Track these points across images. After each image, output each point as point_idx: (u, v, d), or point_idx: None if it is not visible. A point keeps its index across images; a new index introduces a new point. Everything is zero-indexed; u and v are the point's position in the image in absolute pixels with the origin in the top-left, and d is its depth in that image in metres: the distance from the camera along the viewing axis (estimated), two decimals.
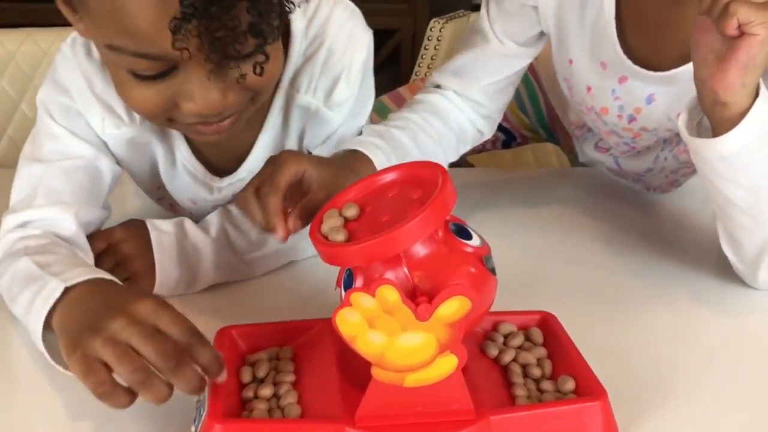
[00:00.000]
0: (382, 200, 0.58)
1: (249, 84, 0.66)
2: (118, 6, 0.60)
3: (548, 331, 0.67)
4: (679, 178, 1.03)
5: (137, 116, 0.78)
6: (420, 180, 0.58)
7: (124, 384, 0.54)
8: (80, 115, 0.77)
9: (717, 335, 0.76)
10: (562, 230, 0.97)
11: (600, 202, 1.06)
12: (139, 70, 0.64)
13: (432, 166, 0.58)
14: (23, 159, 0.78)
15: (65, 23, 0.71)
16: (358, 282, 0.56)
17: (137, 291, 0.63)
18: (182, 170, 0.83)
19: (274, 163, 0.70)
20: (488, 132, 0.98)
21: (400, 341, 0.53)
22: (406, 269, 0.54)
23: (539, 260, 0.90)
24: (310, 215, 0.65)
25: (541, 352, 0.65)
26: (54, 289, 0.63)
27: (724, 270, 0.84)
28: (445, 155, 0.90)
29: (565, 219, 1.01)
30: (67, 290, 0.62)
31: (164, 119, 0.69)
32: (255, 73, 0.64)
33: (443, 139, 0.90)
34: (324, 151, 0.84)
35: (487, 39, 0.92)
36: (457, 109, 0.94)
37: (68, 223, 0.75)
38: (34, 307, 0.63)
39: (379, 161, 0.79)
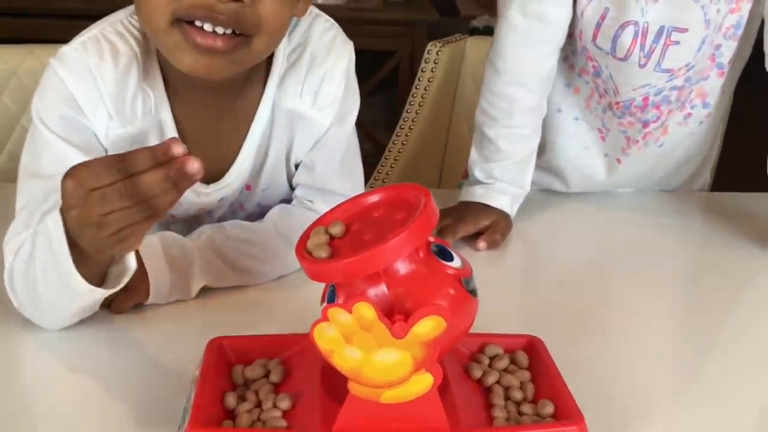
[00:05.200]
0: (368, 219, 0.60)
1: (260, 7, 0.71)
2: None
3: (534, 354, 0.68)
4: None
5: (139, 113, 0.80)
6: (405, 201, 0.59)
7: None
8: (80, 122, 0.78)
9: (701, 363, 0.77)
10: (554, 254, 0.99)
11: (590, 228, 1.08)
12: None
13: (417, 188, 0.59)
14: (22, 173, 0.78)
15: (67, 40, 0.74)
16: (341, 298, 0.58)
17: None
18: None
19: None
20: None
21: (377, 358, 0.54)
22: (385, 287, 0.56)
23: (529, 283, 0.91)
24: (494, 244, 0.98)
25: (525, 375, 0.66)
26: (56, 219, 0.65)
27: (706, 298, 0.86)
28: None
29: (557, 243, 1.03)
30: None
31: (171, 11, 0.70)
32: None
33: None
34: (314, 157, 0.88)
35: None
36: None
37: None
38: (54, 249, 0.65)
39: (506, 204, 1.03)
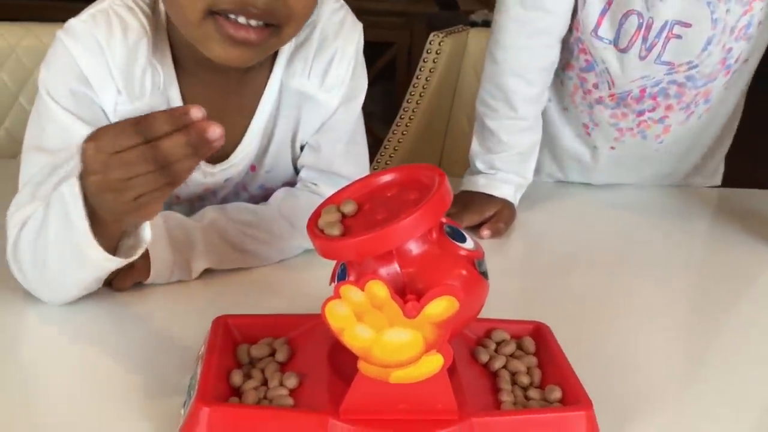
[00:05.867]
0: (380, 199, 0.59)
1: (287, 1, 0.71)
2: None
3: (540, 340, 0.68)
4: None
5: (147, 89, 0.79)
6: (418, 182, 0.59)
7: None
8: (88, 97, 0.77)
9: (706, 350, 0.78)
10: (558, 243, 1.00)
11: (597, 215, 1.09)
12: None
13: (431, 169, 0.59)
14: (27, 145, 0.78)
15: (65, 19, 0.73)
16: (352, 277, 0.57)
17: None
18: None
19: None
20: None
21: (387, 337, 0.54)
22: (397, 266, 0.55)
23: (533, 272, 0.92)
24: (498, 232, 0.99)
25: (532, 361, 0.66)
26: (72, 185, 0.64)
27: (711, 291, 0.88)
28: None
29: (561, 232, 1.03)
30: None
31: (205, 6, 0.70)
32: None
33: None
34: (320, 139, 0.87)
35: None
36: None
37: None
38: (71, 215, 0.64)
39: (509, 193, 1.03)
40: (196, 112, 0.56)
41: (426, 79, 1.54)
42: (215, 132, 0.55)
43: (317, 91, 0.85)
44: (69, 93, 0.77)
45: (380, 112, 2.78)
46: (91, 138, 0.59)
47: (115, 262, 0.68)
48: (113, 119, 0.79)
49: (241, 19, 0.71)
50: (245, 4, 0.70)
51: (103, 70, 0.77)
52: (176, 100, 0.81)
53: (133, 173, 0.57)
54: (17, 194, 0.75)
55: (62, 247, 0.67)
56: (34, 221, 0.70)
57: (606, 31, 1.02)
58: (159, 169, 0.57)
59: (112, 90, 0.78)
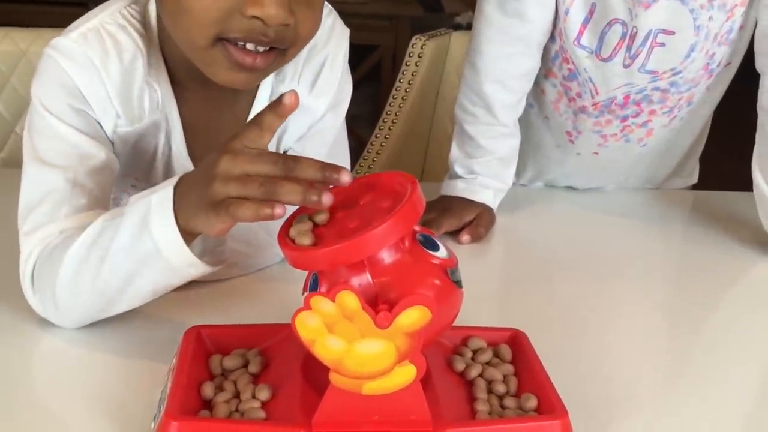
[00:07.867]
0: (353, 207, 0.58)
1: (300, 25, 0.70)
2: None
3: (517, 348, 0.67)
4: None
5: (146, 109, 0.78)
6: (392, 189, 0.58)
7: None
8: (88, 114, 0.75)
9: (683, 358, 0.77)
10: (538, 249, 0.99)
11: (577, 220, 1.08)
12: None
13: (403, 176, 0.58)
14: (31, 160, 0.74)
15: (44, 25, 0.71)
16: (323, 287, 0.56)
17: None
18: (176, 164, 0.83)
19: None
20: None
21: (359, 348, 0.53)
22: (369, 276, 0.55)
23: (513, 277, 0.91)
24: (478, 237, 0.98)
25: (508, 369, 0.65)
26: (166, 193, 0.63)
27: (690, 295, 0.88)
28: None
29: (542, 237, 1.03)
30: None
31: (215, 33, 0.69)
32: None
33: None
34: (305, 144, 0.86)
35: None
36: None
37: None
38: (151, 223, 0.63)
39: (489, 198, 1.03)
40: (346, 177, 0.57)
41: (408, 83, 1.54)
42: (328, 198, 0.56)
43: (306, 97, 0.84)
44: (69, 109, 0.74)
45: (365, 115, 2.77)
46: (228, 150, 0.59)
47: (198, 268, 0.65)
48: (113, 138, 0.78)
49: (249, 46, 0.70)
50: (256, 32, 0.69)
51: (101, 93, 0.75)
52: (175, 117, 0.80)
53: (248, 194, 0.58)
54: (30, 212, 0.72)
55: (131, 258, 0.65)
56: (88, 236, 0.67)
57: (588, 40, 1.01)
58: (263, 199, 0.57)
59: (112, 114, 0.76)
